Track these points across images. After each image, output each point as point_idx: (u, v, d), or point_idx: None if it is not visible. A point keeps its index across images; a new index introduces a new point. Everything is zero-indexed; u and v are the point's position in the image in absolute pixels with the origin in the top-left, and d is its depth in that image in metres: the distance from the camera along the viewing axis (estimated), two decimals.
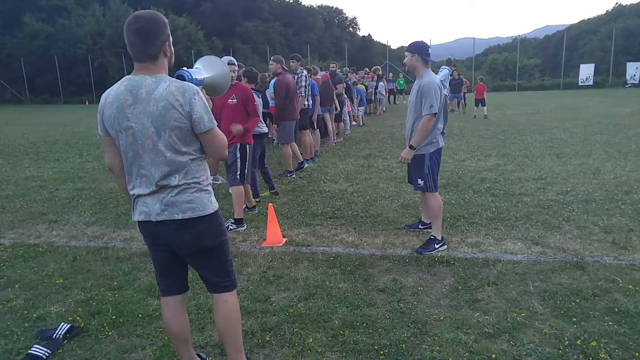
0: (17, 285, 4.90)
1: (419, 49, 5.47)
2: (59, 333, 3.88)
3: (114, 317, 4.17)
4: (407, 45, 5.69)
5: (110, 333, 3.93)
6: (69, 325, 3.97)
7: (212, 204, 2.92)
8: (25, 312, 4.34)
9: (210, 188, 2.96)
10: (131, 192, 2.89)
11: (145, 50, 2.70)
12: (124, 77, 2.78)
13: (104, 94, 2.83)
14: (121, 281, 4.93)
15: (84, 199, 8.45)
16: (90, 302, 4.49)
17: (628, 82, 46.96)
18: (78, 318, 4.16)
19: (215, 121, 2.83)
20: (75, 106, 46.07)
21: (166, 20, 2.80)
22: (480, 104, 21.65)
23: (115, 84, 2.80)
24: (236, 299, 3.16)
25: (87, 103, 50.30)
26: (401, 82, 33.79)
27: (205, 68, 3.23)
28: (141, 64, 2.73)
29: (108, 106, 2.76)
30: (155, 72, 2.74)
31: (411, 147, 5.40)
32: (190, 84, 2.78)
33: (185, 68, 3.01)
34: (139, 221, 2.90)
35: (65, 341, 3.82)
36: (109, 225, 6.91)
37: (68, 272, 5.21)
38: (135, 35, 2.68)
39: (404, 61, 5.68)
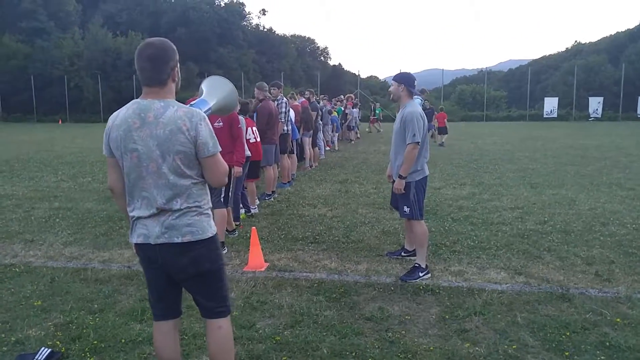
0: None
1: (406, 79, 5.60)
2: (39, 358, 3.73)
3: (95, 342, 4.03)
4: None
5: (91, 359, 3.80)
6: (49, 350, 3.81)
7: (211, 228, 2.91)
8: (3, 335, 4.17)
9: (210, 212, 2.94)
10: (131, 214, 2.86)
11: (156, 76, 2.74)
12: (133, 101, 2.80)
13: (111, 116, 2.85)
14: (102, 304, 4.78)
15: (60, 219, 8.26)
16: (70, 325, 4.34)
17: (591, 116, 48.36)
18: (58, 343, 4.02)
19: (219, 147, 2.83)
20: (49, 125, 45.55)
21: (175, 48, 2.84)
22: (441, 133, 22.08)
23: (124, 107, 2.82)
24: (230, 325, 3.12)
25: (60, 122, 50.05)
26: (377, 111, 34.13)
27: (210, 90, 3.23)
28: (150, 88, 2.76)
29: (115, 128, 2.77)
30: (163, 97, 2.77)
31: (401, 176, 5.45)
32: (198, 110, 2.81)
33: (191, 102, 3.04)
34: (136, 243, 2.86)
35: None
36: (87, 245, 6.74)
37: (46, 294, 5.04)
38: (147, 62, 2.73)
39: (389, 89, 5.76)
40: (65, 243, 6.88)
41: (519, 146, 21.03)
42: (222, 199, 6.39)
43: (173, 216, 2.78)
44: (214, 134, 2.82)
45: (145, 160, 2.72)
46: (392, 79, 5.68)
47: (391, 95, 5.78)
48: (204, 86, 3.30)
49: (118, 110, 2.84)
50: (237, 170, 6.67)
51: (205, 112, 3.02)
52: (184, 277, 2.91)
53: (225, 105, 3.31)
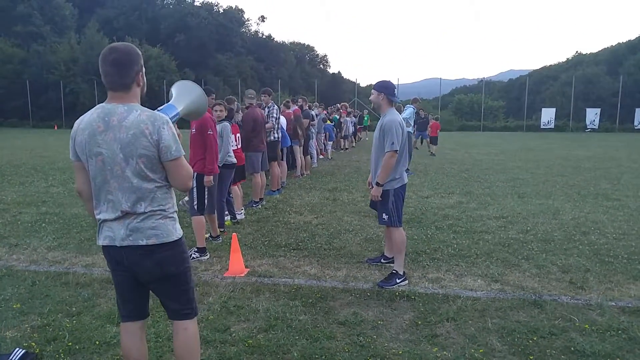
0: None
1: (385, 88, 5.66)
2: (14, 359, 3.79)
3: (70, 343, 4.10)
4: (374, 83, 5.85)
5: None
6: (23, 351, 3.88)
7: (176, 231, 2.97)
8: None
9: (175, 215, 3.00)
10: (97, 217, 2.93)
11: (120, 80, 2.80)
12: (98, 105, 2.87)
13: (77, 121, 2.90)
14: (80, 307, 4.85)
15: (47, 224, 8.32)
16: (47, 328, 4.41)
17: (588, 127, 48.46)
18: (33, 344, 4.09)
19: (182, 151, 2.89)
20: (44, 131, 45.56)
21: (140, 52, 2.90)
22: (432, 142, 22.17)
23: (89, 111, 2.88)
24: (196, 327, 3.17)
25: (55, 128, 50.15)
26: (366, 118, 34.22)
27: (179, 95, 3.31)
28: (115, 92, 2.82)
29: (80, 132, 2.83)
30: (128, 101, 2.83)
31: (378, 184, 5.53)
32: (161, 114, 2.87)
33: (159, 108, 3.11)
34: (103, 245, 2.93)
35: None
36: (70, 250, 6.80)
37: (26, 297, 5.11)
38: (111, 66, 2.78)
39: (370, 98, 5.84)
40: (50, 247, 6.94)
41: (512, 156, 21.13)
42: (194, 207, 6.38)
43: (137, 219, 2.84)
44: (177, 138, 2.89)
45: (109, 163, 2.78)
46: (373, 88, 5.76)
47: (372, 104, 5.88)
48: (173, 90, 3.38)
49: (84, 115, 2.90)
50: (207, 179, 6.49)
51: (173, 117, 3.10)
52: (150, 279, 2.98)
53: (194, 109, 3.40)
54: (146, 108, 2.86)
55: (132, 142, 2.74)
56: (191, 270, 3.13)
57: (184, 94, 3.34)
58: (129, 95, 2.84)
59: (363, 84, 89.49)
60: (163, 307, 3.16)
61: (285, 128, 12.20)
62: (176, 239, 2.96)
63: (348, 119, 24.67)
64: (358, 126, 32.11)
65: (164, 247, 2.90)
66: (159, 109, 3.12)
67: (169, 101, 3.32)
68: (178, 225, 3.01)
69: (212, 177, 6.56)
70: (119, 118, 2.76)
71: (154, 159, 2.81)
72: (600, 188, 12.31)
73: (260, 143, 9.70)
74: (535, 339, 4.23)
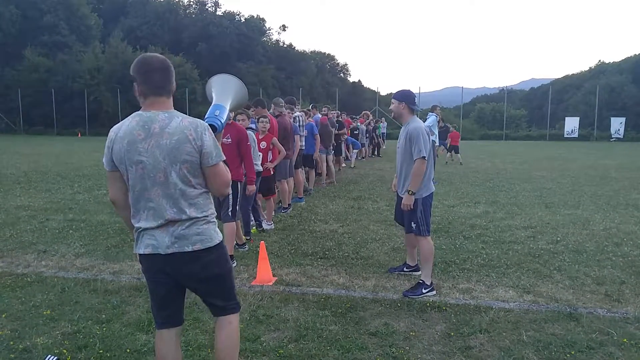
0: (3, 316, 4.80)
1: (406, 97, 5.64)
2: None
3: (101, 351, 4.08)
4: (394, 93, 5.81)
5: None
6: (55, 358, 3.90)
7: (217, 235, 3.01)
8: (12, 343, 4.24)
9: (215, 220, 3.03)
10: (136, 226, 2.92)
11: (165, 86, 2.83)
12: (134, 113, 2.87)
13: (113, 129, 2.90)
14: (109, 314, 4.84)
15: (74, 230, 8.37)
16: (78, 335, 4.40)
17: (613, 136, 47.86)
18: (65, 351, 4.08)
19: (222, 157, 2.90)
20: (68, 138, 46.33)
21: None
22: (453, 151, 22.07)
23: (126, 120, 2.88)
24: (238, 322, 3.21)
25: (79, 135, 50.86)
26: (379, 126, 34.01)
27: (221, 91, 3.30)
28: (157, 98, 2.83)
29: (118, 141, 2.82)
30: (167, 108, 2.85)
31: (410, 192, 5.46)
32: (201, 120, 2.89)
33: (214, 116, 3.12)
34: (144, 254, 2.91)
35: None
36: (98, 257, 6.82)
37: (55, 304, 5.11)
38: (157, 72, 2.81)
39: (390, 107, 5.81)
40: (77, 254, 6.97)
41: (536, 166, 20.90)
42: (230, 213, 6.39)
43: (182, 226, 2.85)
44: (218, 144, 2.90)
45: (151, 171, 2.78)
46: (393, 97, 5.74)
47: (392, 114, 5.83)
48: (212, 87, 3.34)
49: (120, 123, 2.89)
50: (251, 188, 6.78)
51: (226, 118, 3.14)
52: (194, 283, 3.01)
53: (238, 102, 3.42)
54: (186, 115, 2.86)
55: (177, 147, 2.75)
56: (233, 270, 3.18)
57: (225, 90, 3.31)
58: (170, 101, 2.87)
59: (383, 93, 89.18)
60: (207, 305, 3.18)
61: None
62: (218, 242, 2.99)
63: (363, 127, 24.48)
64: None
65: (208, 251, 2.92)
66: (210, 111, 3.15)
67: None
68: (218, 229, 3.04)
69: (254, 185, 6.84)
70: (161, 125, 2.77)
71: (196, 165, 2.83)
72: (630, 198, 12.07)
73: (289, 150, 9.75)
74: (572, 353, 4.11)
